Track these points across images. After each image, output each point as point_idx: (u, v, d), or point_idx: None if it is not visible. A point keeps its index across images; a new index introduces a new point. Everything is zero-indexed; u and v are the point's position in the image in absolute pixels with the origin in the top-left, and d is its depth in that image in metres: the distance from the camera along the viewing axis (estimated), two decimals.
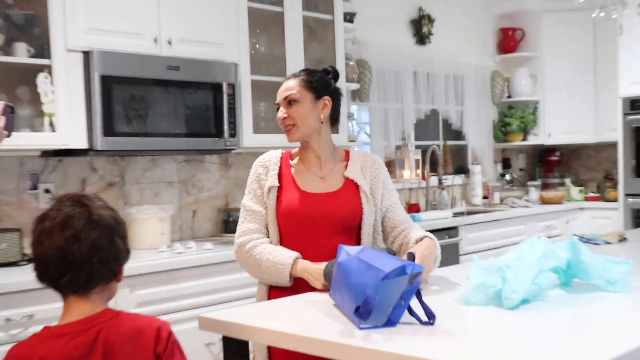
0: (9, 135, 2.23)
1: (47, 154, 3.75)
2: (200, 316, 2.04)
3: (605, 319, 1.89)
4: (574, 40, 6.69)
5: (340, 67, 4.80)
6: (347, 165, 2.61)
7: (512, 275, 1.96)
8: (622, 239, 3.42)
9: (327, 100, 2.56)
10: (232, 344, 1.99)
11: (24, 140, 3.44)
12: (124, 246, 1.92)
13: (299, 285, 2.42)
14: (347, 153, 2.68)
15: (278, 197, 2.55)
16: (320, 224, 2.50)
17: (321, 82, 2.57)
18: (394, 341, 1.69)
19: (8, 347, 2.68)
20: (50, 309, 3.10)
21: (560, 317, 1.91)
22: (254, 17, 4.35)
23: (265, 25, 4.55)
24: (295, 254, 2.43)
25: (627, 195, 6.14)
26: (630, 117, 6.09)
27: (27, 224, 3.71)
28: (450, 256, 5.02)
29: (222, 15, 4.15)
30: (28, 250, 3.63)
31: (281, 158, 2.65)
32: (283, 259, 2.41)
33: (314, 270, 2.35)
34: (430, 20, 6.12)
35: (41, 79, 3.48)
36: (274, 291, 2.49)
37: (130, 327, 1.87)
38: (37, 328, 2.16)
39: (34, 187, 3.85)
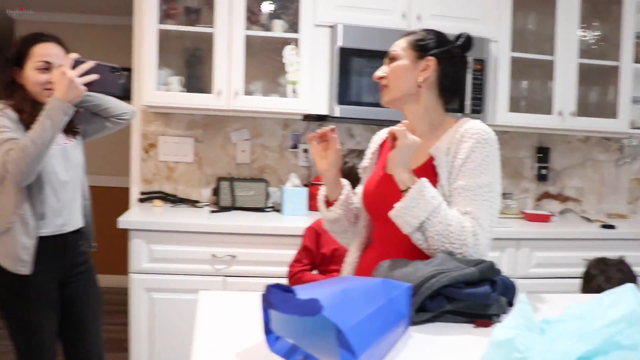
0: (118, 94, 2.08)
1: (309, 118, 3.35)
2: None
3: None
4: None
5: (627, 46, 3.45)
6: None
7: (546, 341, 0.96)
8: None
9: (430, 61, 1.61)
10: None
11: (271, 103, 3.14)
12: None
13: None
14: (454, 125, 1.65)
15: None
16: (387, 211, 1.57)
17: (431, 41, 1.64)
18: None
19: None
20: None
21: None
22: None
23: (532, 1, 3.47)
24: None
25: None
26: None
27: (286, 178, 3.42)
28: None
29: None
30: (272, 199, 3.33)
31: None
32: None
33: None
34: None
35: (288, 50, 3.11)
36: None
37: None
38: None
39: (295, 147, 3.51)
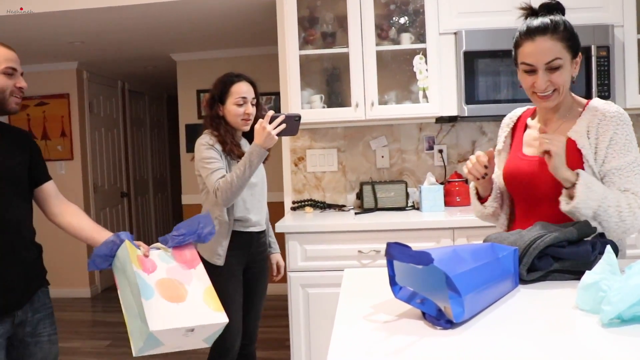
0: (294, 134, 2.56)
1: (442, 120, 3.60)
2: None
3: None
4: None
5: None
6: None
7: (623, 280, 1.16)
8: None
9: (580, 58, 1.77)
10: None
11: (404, 110, 3.43)
12: None
13: None
14: (586, 106, 1.81)
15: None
16: (531, 191, 1.82)
17: (577, 38, 1.76)
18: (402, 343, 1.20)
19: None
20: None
21: None
22: None
23: None
24: None
25: None
26: None
27: (423, 178, 3.69)
28: None
29: None
30: (412, 199, 3.61)
31: (519, 117, 2.00)
32: None
33: None
34: None
35: (417, 59, 3.40)
36: None
37: None
38: None
39: (430, 148, 3.77)
